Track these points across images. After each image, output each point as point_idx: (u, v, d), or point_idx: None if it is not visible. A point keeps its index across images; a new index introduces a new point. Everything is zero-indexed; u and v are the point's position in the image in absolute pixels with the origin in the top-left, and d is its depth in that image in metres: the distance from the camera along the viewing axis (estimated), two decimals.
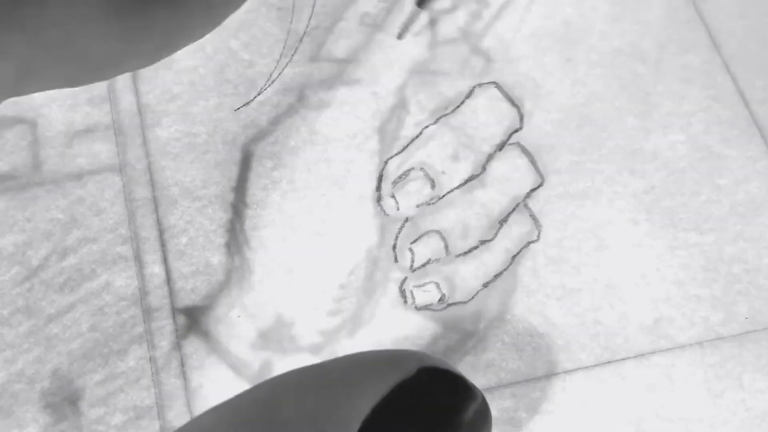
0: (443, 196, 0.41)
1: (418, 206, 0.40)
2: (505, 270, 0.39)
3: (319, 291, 0.39)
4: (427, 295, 0.39)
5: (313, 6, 0.44)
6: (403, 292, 0.39)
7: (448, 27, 0.44)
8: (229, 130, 0.42)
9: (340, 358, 0.29)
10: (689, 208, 0.40)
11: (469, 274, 0.39)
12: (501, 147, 0.42)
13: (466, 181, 0.41)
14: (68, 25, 0.21)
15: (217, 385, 0.37)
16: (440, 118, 0.42)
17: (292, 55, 0.43)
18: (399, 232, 0.40)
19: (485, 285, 0.39)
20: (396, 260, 0.39)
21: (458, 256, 0.39)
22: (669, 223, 0.40)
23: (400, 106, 0.43)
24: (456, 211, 0.40)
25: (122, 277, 0.39)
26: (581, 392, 0.37)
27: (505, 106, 0.43)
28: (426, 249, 0.40)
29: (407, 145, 0.42)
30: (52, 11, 0.20)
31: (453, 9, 0.45)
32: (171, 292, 0.39)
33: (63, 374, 0.37)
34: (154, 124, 0.42)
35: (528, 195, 0.41)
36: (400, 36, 0.40)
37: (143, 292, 0.38)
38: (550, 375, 0.37)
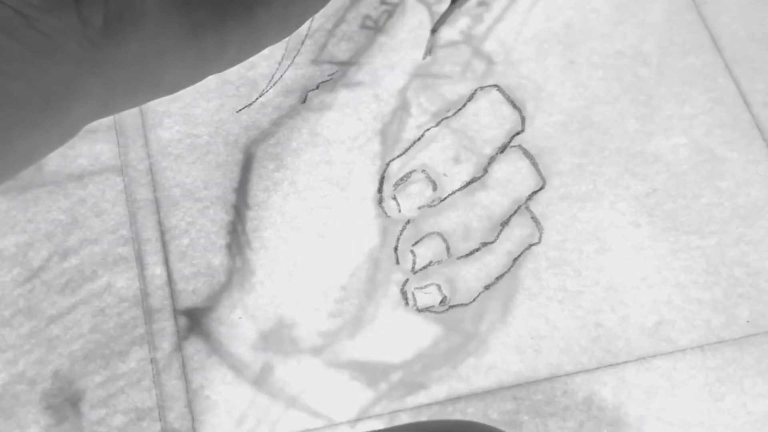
0: (445, 198, 0.41)
1: (419, 208, 0.40)
2: (506, 272, 0.39)
3: (320, 292, 0.39)
4: (429, 296, 0.39)
5: None
6: (404, 294, 0.39)
7: (450, 30, 0.44)
8: (230, 131, 0.42)
9: (400, 426, 0.28)
10: (691, 211, 0.40)
11: (471, 276, 0.39)
12: (503, 149, 0.42)
13: (468, 184, 0.41)
14: (145, 59, 0.21)
15: (219, 386, 0.37)
16: (442, 120, 0.42)
17: (294, 57, 0.43)
18: (400, 234, 0.40)
19: (487, 287, 0.39)
20: (397, 262, 0.39)
21: (460, 258, 0.39)
22: (670, 226, 0.40)
23: (402, 108, 0.43)
24: (457, 213, 0.40)
25: (123, 279, 0.39)
26: (582, 395, 0.37)
27: (507, 108, 0.43)
28: (427, 251, 0.40)
29: (409, 148, 0.42)
30: (131, 48, 0.21)
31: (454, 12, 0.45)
32: (172, 294, 0.39)
33: (64, 375, 0.37)
34: (156, 125, 0.42)
35: (529, 197, 0.41)
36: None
37: (144, 293, 0.38)
38: (551, 377, 0.37)
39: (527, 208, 0.40)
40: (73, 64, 0.19)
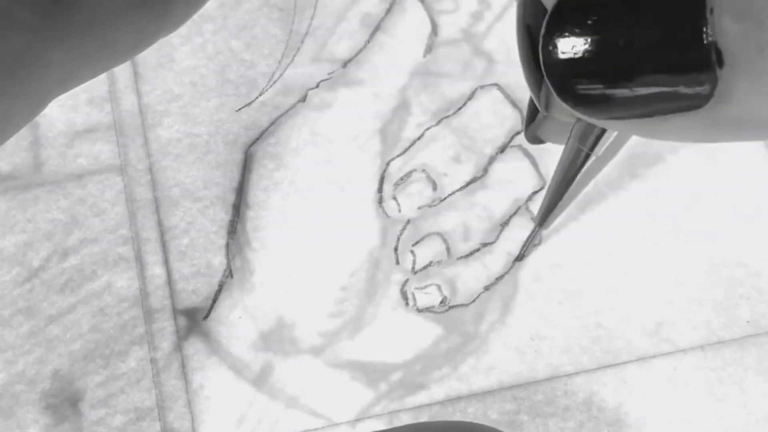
0: (445, 198, 0.41)
1: (419, 208, 0.40)
2: (506, 273, 0.39)
3: (320, 292, 0.39)
4: (429, 297, 0.39)
5: (315, 7, 0.44)
6: (404, 294, 0.39)
7: (450, 28, 0.44)
8: (230, 130, 0.42)
9: (400, 427, 0.28)
10: (691, 212, 0.40)
11: (471, 276, 0.39)
12: (503, 149, 0.42)
13: (468, 183, 0.41)
14: (98, 23, 0.22)
15: (218, 386, 0.37)
16: (442, 119, 0.42)
17: (294, 56, 0.43)
18: (400, 234, 0.40)
19: (487, 287, 0.39)
20: (397, 262, 0.39)
21: (460, 258, 0.39)
22: (671, 227, 0.40)
23: (402, 107, 0.42)
24: (457, 213, 0.40)
25: (123, 278, 0.39)
26: (582, 395, 0.37)
27: (507, 107, 0.43)
28: (427, 251, 0.40)
29: (409, 147, 0.42)
30: (83, 13, 0.21)
31: (455, 10, 0.45)
32: (172, 294, 0.38)
33: (64, 375, 0.37)
34: (156, 125, 0.42)
35: (530, 197, 0.41)
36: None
37: (144, 293, 0.38)
38: (551, 378, 0.37)
39: (527, 208, 0.40)
40: (29, 32, 0.20)
